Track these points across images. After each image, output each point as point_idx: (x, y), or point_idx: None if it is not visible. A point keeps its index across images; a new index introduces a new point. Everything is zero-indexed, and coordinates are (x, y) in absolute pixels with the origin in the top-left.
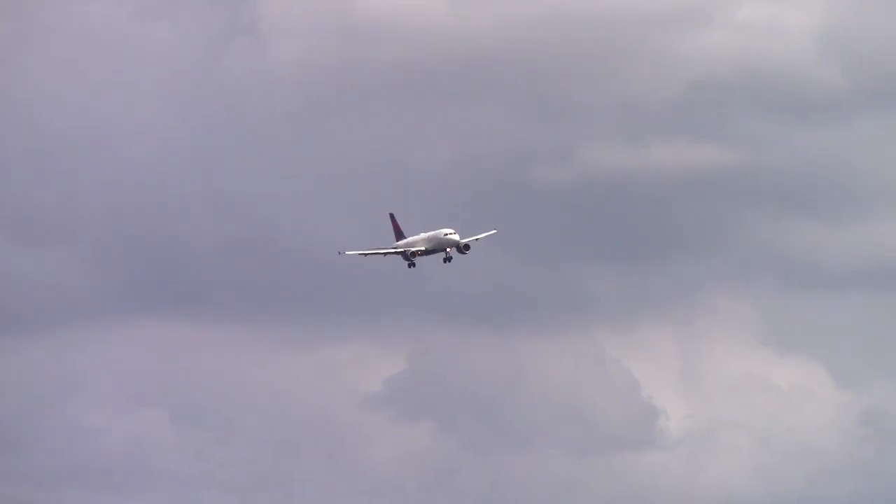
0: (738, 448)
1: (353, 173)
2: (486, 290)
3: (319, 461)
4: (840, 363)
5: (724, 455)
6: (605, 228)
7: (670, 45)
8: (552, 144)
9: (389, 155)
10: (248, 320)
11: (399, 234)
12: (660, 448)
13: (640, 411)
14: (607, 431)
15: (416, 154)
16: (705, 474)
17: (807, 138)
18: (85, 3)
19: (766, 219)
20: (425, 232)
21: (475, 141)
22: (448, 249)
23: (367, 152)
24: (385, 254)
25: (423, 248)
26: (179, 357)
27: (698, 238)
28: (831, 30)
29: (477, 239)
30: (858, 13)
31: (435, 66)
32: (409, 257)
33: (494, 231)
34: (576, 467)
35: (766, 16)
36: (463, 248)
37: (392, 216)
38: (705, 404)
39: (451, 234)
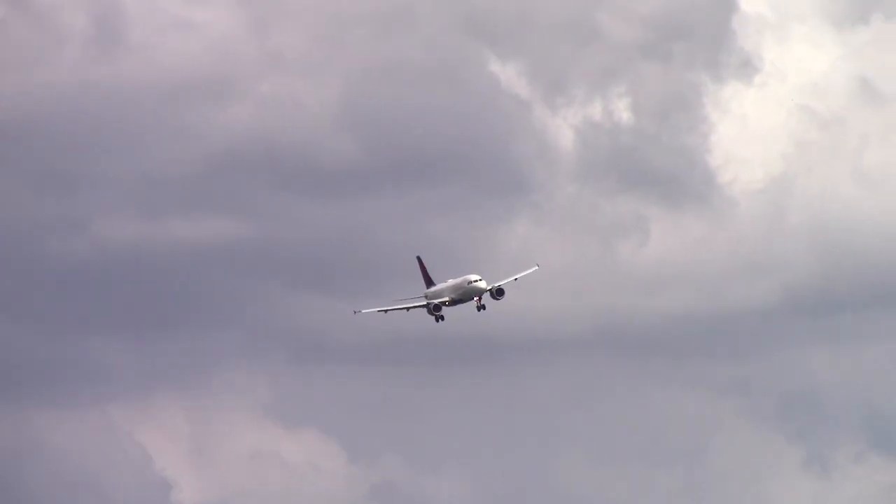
0: None
1: None
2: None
3: None
4: (351, 437)
5: None
6: (121, 301)
7: (190, 117)
8: (67, 216)
9: None
10: None
11: (429, 281)
12: None
13: (153, 484)
14: None
15: None
16: None
17: (323, 212)
18: None
19: (280, 293)
20: (453, 279)
21: None
22: (477, 298)
23: None
24: (408, 308)
25: (448, 299)
26: None
27: (213, 312)
28: (349, 104)
29: (516, 279)
30: (376, 88)
31: None
32: (434, 311)
33: (536, 267)
34: None
35: (287, 90)
36: (496, 294)
37: (419, 259)
38: (218, 478)
39: (477, 281)
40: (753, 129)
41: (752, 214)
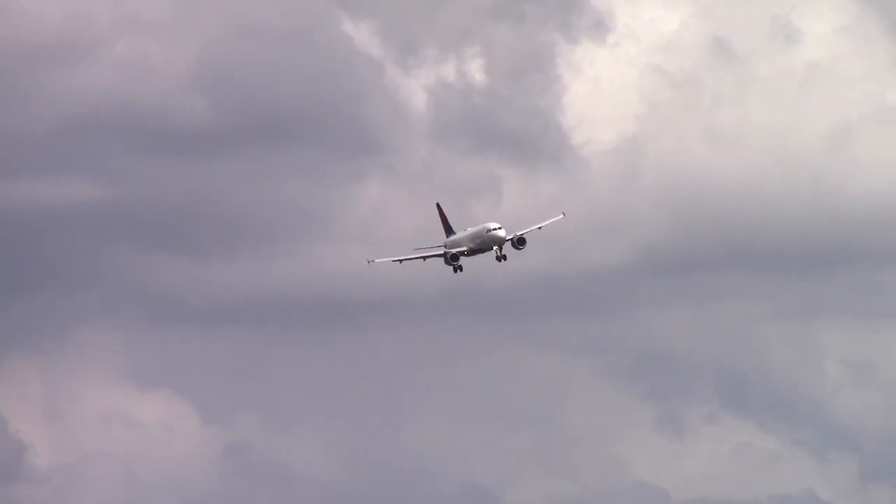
0: (107, 482)
1: None
2: None
3: None
4: (205, 398)
5: (94, 489)
6: None
7: (45, 78)
8: None
9: None
10: None
11: (448, 229)
12: (28, 483)
13: (8, 446)
14: None
15: None
16: None
17: (177, 174)
18: None
19: (133, 253)
20: (472, 227)
21: None
22: (497, 247)
23: None
24: (425, 258)
25: (466, 248)
26: None
27: (67, 272)
28: (204, 66)
29: (540, 227)
30: (230, 49)
31: None
32: (452, 260)
33: (562, 216)
34: None
35: (142, 51)
36: (517, 244)
37: (439, 206)
38: (73, 439)
39: (495, 229)
40: (606, 89)
41: (606, 174)
